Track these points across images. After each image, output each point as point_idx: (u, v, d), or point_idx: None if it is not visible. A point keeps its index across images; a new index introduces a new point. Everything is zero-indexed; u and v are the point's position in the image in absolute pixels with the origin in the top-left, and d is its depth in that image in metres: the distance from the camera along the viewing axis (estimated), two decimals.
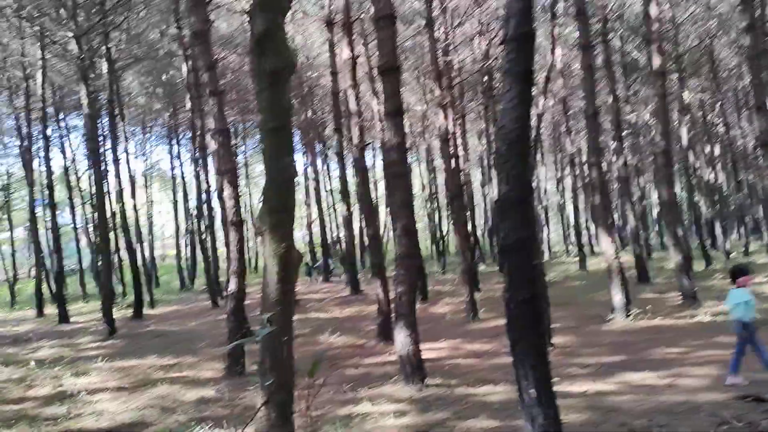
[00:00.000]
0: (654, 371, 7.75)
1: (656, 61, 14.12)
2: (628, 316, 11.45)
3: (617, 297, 11.63)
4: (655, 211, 44.40)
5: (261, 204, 3.87)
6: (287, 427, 3.67)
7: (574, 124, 29.99)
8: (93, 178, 14.31)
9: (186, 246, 33.32)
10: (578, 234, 27.50)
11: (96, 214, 16.50)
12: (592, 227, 43.61)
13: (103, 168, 19.79)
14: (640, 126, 31.43)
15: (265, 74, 3.83)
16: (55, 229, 20.41)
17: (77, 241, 32.98)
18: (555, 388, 7.17)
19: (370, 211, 11.11)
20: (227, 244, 12.52)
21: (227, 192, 8.62)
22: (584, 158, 39.78)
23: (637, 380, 7.48)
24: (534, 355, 3.74)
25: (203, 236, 22.46)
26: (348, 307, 16.97)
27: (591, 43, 12.79)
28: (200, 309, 20.14)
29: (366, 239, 32.32)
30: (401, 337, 7.33)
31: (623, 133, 20.46)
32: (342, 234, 26.22)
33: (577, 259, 25.14)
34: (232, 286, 8.55)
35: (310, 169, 30.22)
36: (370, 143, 15.56)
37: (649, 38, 15.76)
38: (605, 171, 16.62)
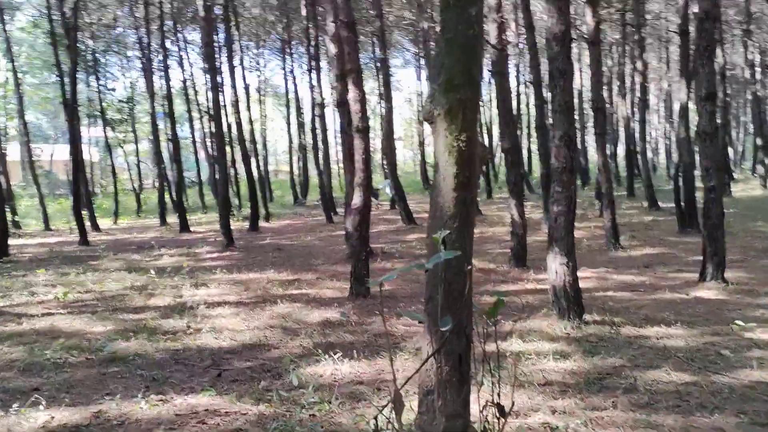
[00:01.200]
0: None
1: None
2: None
3: None
4: None
5: (435, 79, 2.76)
6: (463, 382, 2.69)
7: None
8: (209, 84, 13.80)
9: (298, 161, 33.25)
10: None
11: (213, 125, 16.18)
12: None
13: (219, 79, 19.53)
14: None
15: None
16: (175, 140, 20.57)
17: (196, 153, 33.86)
18: (747, 334, 5.84)
19: (508, 120, 9.75)
20: (347, 156, 11.70)
21: (353, 94, 7.60)
22: None
23: None
24: None
25: (317, 150, 21.90)
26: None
27: None
28: (314, 224, 19.87)
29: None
30: (556, 264, 6.18)
31: None
32: None
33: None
34: (357, 199, 7.67)
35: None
36: (509, 44, 13.93)
37: None
38: None
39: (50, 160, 45.36)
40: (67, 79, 17.71)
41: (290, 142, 33.12)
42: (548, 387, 4.54)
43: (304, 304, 7.76)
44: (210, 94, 14.12)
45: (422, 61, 31.01)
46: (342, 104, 11.52)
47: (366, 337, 6.11)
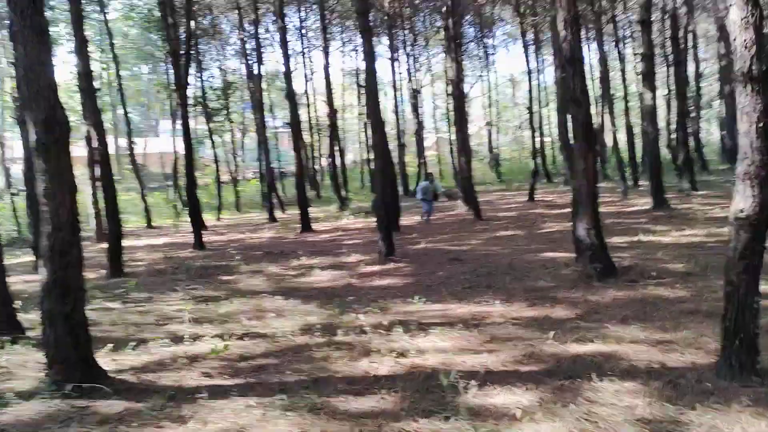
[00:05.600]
0: None
1: None
2: None
3: None
4: None
5: None
6: None
7: None
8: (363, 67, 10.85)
9: (400, 148, 29.97)
10: None
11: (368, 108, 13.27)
12: None
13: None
14: None
15: None
16: (295, 128, 17.82)
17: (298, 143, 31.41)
18: None
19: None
20: (578, 135, 8.44)
21: (737, 14, 4.16)
22: None
23: None
24: None
25: (462, 132, 18.21)
26: (678, 229, 12.15)
27: None
28: (461, 221, 16.65)
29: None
30: None
31: None
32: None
33: None
34: (743, 203, 4.26)
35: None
36: None
37: None
38: None
39: (143, 153, 44.26)
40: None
41: (398, 127, 30.06)
42: None
43: (627, 380, 4.51)
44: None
45: None
46: (571, 63, 8.21)
47: None
